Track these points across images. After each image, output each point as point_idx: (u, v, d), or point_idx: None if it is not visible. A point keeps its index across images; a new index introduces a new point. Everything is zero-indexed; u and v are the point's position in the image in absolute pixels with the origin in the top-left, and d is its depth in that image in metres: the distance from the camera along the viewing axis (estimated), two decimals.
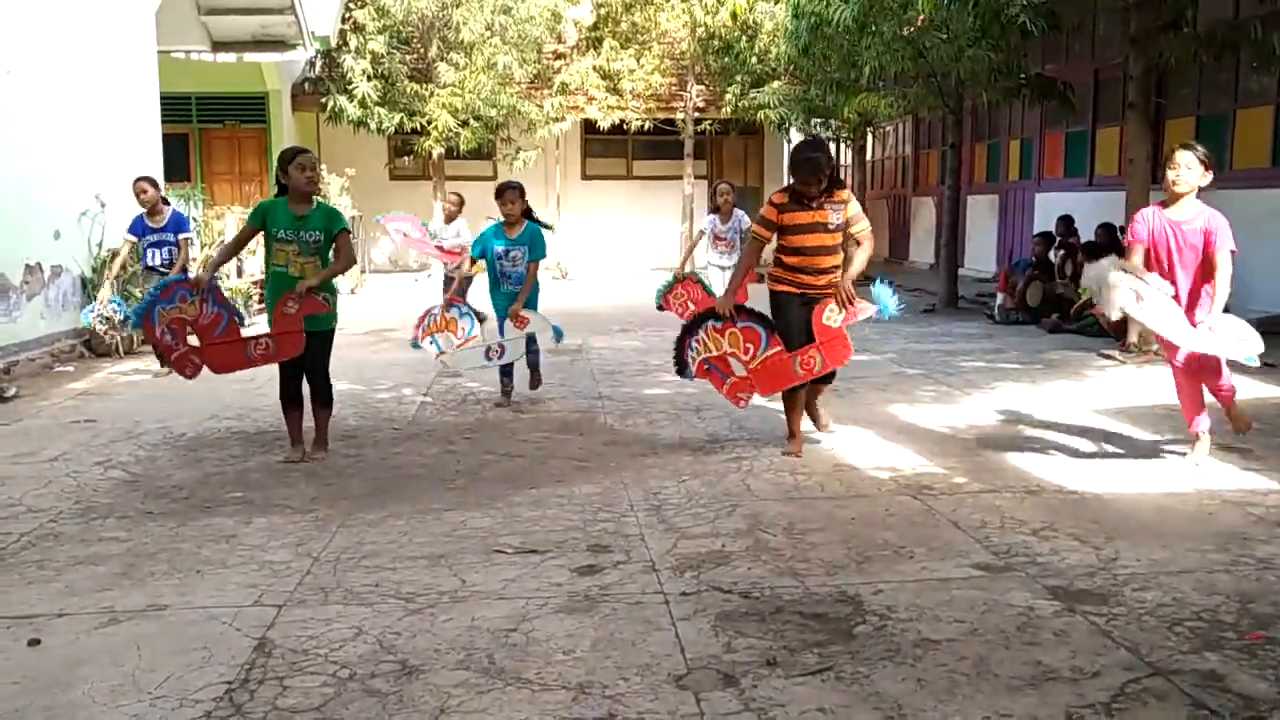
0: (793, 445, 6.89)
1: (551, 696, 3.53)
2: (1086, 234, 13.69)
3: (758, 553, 4.96)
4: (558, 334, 8.42)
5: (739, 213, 11.81)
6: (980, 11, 12.24)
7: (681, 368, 6.91)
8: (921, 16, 12.92)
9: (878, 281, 6.87)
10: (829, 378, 6.98)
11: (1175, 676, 3.63)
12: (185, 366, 6.88)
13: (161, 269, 10.15)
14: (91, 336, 11.40)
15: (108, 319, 10.56)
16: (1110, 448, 6.97)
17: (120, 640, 4.05)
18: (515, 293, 8.25)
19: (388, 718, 3.42)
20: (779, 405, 7.31)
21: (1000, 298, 13.87)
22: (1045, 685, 3.57)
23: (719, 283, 11.25)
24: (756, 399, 6.99)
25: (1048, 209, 15.92)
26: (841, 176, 24.70)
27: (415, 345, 8.59)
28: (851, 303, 6.53)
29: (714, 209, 12.05)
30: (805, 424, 7.11)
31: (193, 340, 6.89)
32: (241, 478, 6.48)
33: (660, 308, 11.14)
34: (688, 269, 10.80)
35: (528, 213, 8.40)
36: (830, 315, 6.57)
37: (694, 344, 6.81)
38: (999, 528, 5.29)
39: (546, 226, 8.56)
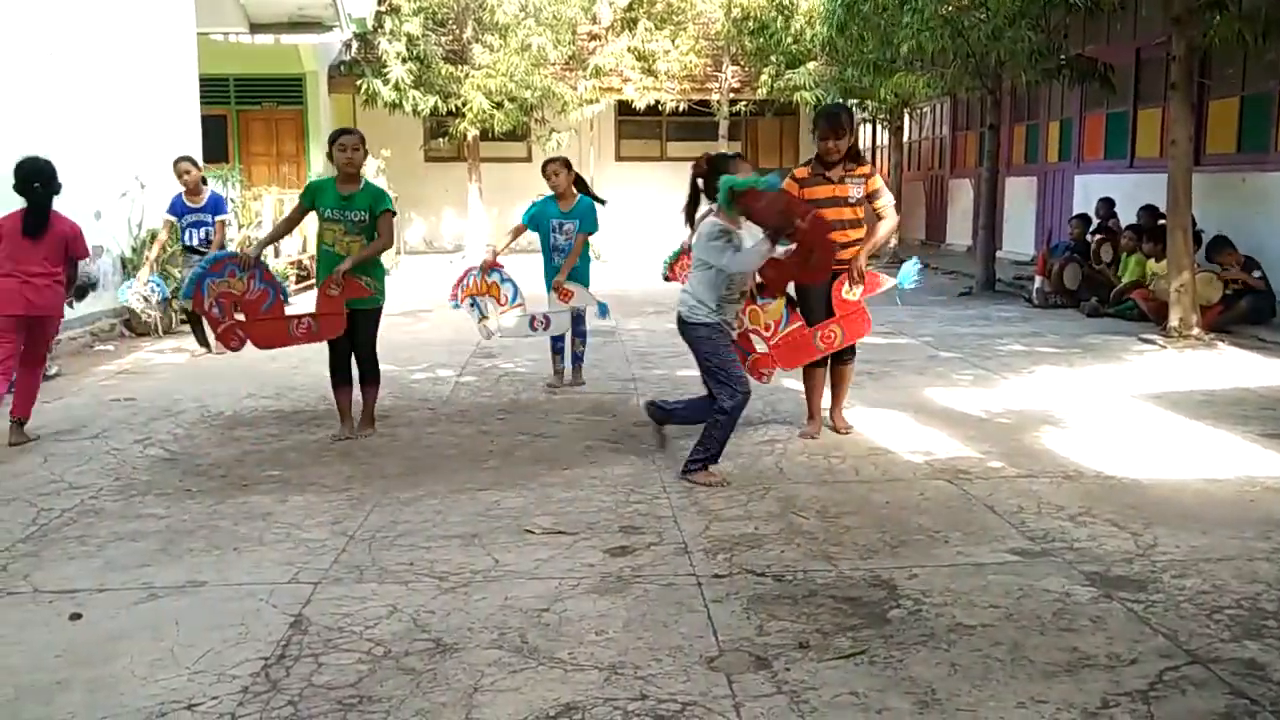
0: (811, 426, 6.90)
1: (584, 676, 3.54)
2: (1126, 217, 13.56)
3: (791, 536, 4.95)
4: (602, 310, 8.41)
5: None
6: None
7: None
8: None
9: (912, 260, 6.87)
10: (849, 356, 6.92)
11: (1214, 665, 3.60)
12: (230, 339, 6.93)
13: (199, 249, 10.20)
14: (130, 315, 11.49)
15: (146, 298, 10.63)
16: (1150, 433, 6.90)
17: (159, 615, 4.10)
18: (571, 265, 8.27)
19: (421, 695, 3.44)
20: None
21: (1038, 281, 13.75)
22: (1081, 672, 3.55)
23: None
24: (785, 381, 6.96)
25: (1087, 191, 15.76)
26: (878, 157, 24.62)
27: (455, 305, 8.51)
28: (863, 278, 6.52)
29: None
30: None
31: (239, 315, 6.95)
32: (278, 456, 6.53)
33: (666, 278, 11.15)
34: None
35: (581, 184, 8.38)
36: (849, 289, 6.56)
37: None
38: (1035, 513, 5.25)
39: (600, 200, 8.52)
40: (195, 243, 10.26)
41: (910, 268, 6.85)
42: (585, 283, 8.32)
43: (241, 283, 6.76)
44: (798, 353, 6.73)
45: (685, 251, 11.12)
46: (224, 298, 6.79)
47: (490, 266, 8.31)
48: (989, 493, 5.59)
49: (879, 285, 6.72)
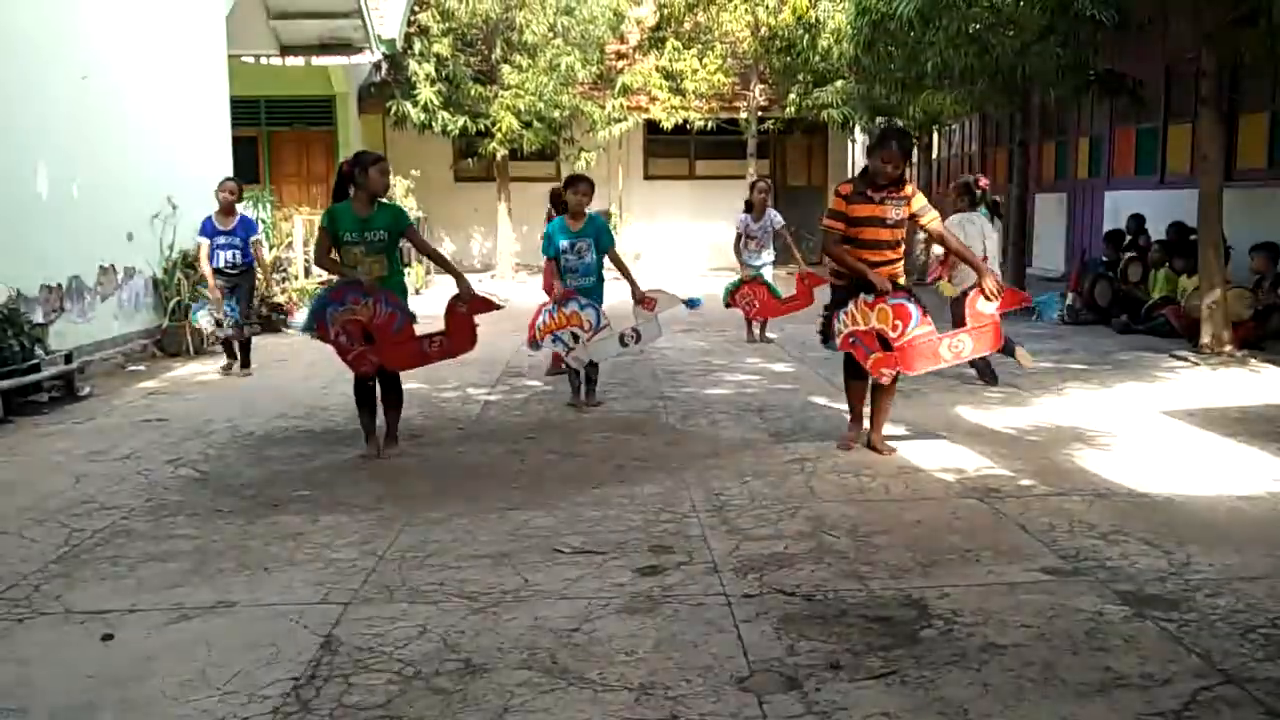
0: (852, 430, 6.94)
1: (614, 697, 3.54)
2: (1157, 233, 13.48)
3: (821, 555, 4.93)
4: (692, 304, 8.46)
5: (772, 211, 11.80)
6: (1047, 6, 12.07)
7: (827, 337, 6.87)
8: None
9: (1054, 295, 6.88)
10: (891, 387, 6.88)
11: (1249, 684, 3.56)
12: (363, 364, 6.91)
13: (228, 270, 10.27)
14: (162, 336, 11.56)
15: (219, 321, 10.53)
16: (1182, 450, 6.85)
17: (190, 636, 4.12)
18: (583, 287, 8.26)
19: (451, 716, 3.44)
20: (843, 405, 7.27)
21: (1070, 297, 13.67)
22: (1114, 692, 3.52)
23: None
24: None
25: (1117, 207, 15.68)
26: (908, 175, 24.57)
27: (535, 346, 8.47)
28: (1001, 292, 6.54)
29: (747, 206, 11.99)
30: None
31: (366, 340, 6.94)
32: (308, 476, 6.55)
33: (728, 304, 11.36)
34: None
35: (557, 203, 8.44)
36: (986, 302, 6.56)
37: (843, 315, 6.69)
38: (1067, 531, 5.22)
39: (604, 214, 8.53)
40: (223, 264, 10.30)
41: (1052, 299, 6.84)
42: (599, 300, 8.30)
43: (367, 308, 6.77)
44: (923, 357, 6.64)
45: (745, 282, 11.28)
46: (350, 324, 6.80)
47: (566, 297, 8.19)
48: (1020, 511, 5.55)
49: (1014, 302, 6.68)
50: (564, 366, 8.70)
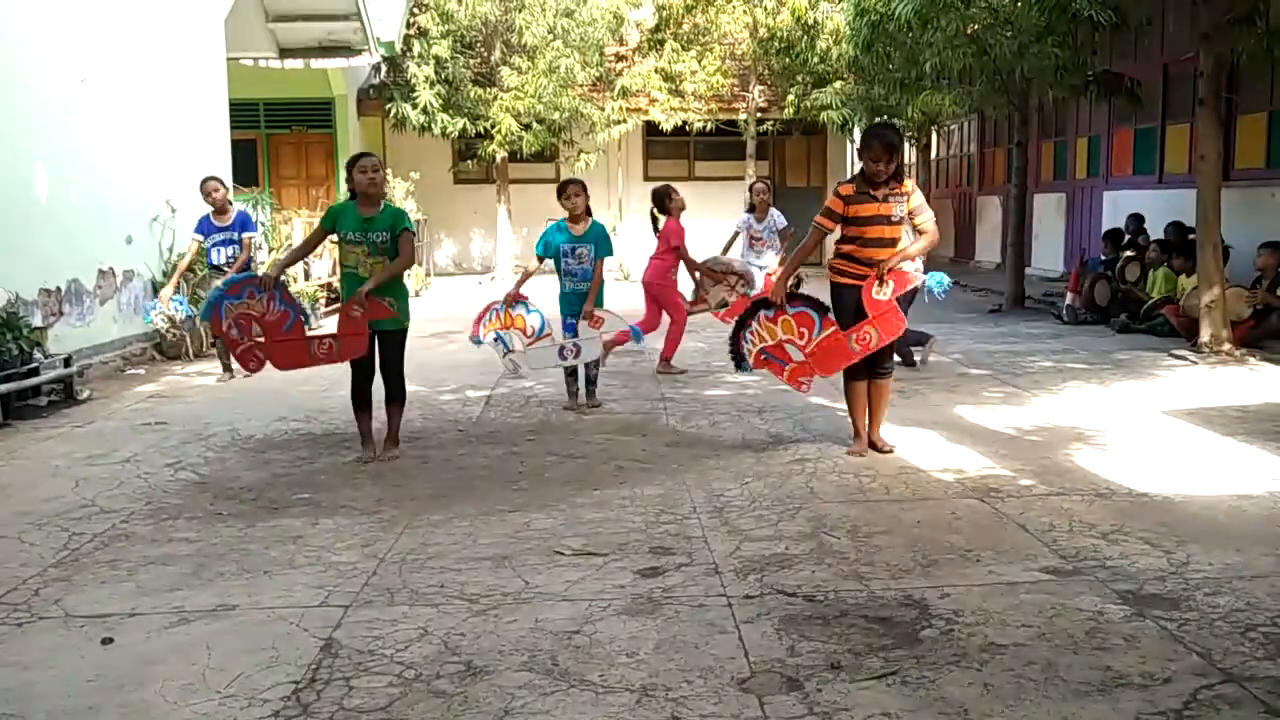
0: (857, 444, 6.88)
1: (615, 699, 3.54)
2: (1156, 233, 13.48)
3: (822, 556, 4.93)
4: (636, 336, 8.42)
5: (774, 211, 11.79)
6: (1045, 6, 12.09)
7: (739, 361, 6.94)
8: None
9: (942, 274, 6.92)
10: (887, 371, 6.90)
11: (1249, 683, 3.56)
12: (249, 361, 6.97)
13: (227, 267, 10.28)
14: (160, 339, 11.57)
15: (170, 318, 10.65)
16: (1181, 449, 6.85)
17: (190, 639, 4.11)
18: (580, 291, 8.25)
19: (453, 718, 3.44)
20: (842, 406, 7.27)
21: (1069, 297, 13.69)
22: (1115, 691, 3.52)
23: (756, 282, 11.29)
24: (815, 398, 6.96)
25: (1116, 207, 15.69)
26: (906, 175, 24.59)
27: (477, 342, 8.46)
28: (889, 276, 6.52)
29: (750, 207, 12.01)
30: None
31: (258, 337, 6.99)
32: (309, 479, 6.55)
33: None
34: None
35: (588, 213, 8.40)
36: (879, 289, 6.55)
37: (749, 335, 6.81)
38: (1067, 531, 5.22)
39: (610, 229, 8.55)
40: (221, 262, 10.30)
41: (940, 276, 6.88)
42: (594, 306, 8.30)
43: (260, 304, 6.81)
44: (834, 357, 6.70)
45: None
46: (243, 319, 6.84)
47: (515, 299, 8.27)
48: (1021, 511, 5.56)
49: (907, 283, 6.71)
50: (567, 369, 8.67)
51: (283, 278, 7.21)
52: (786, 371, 6.80)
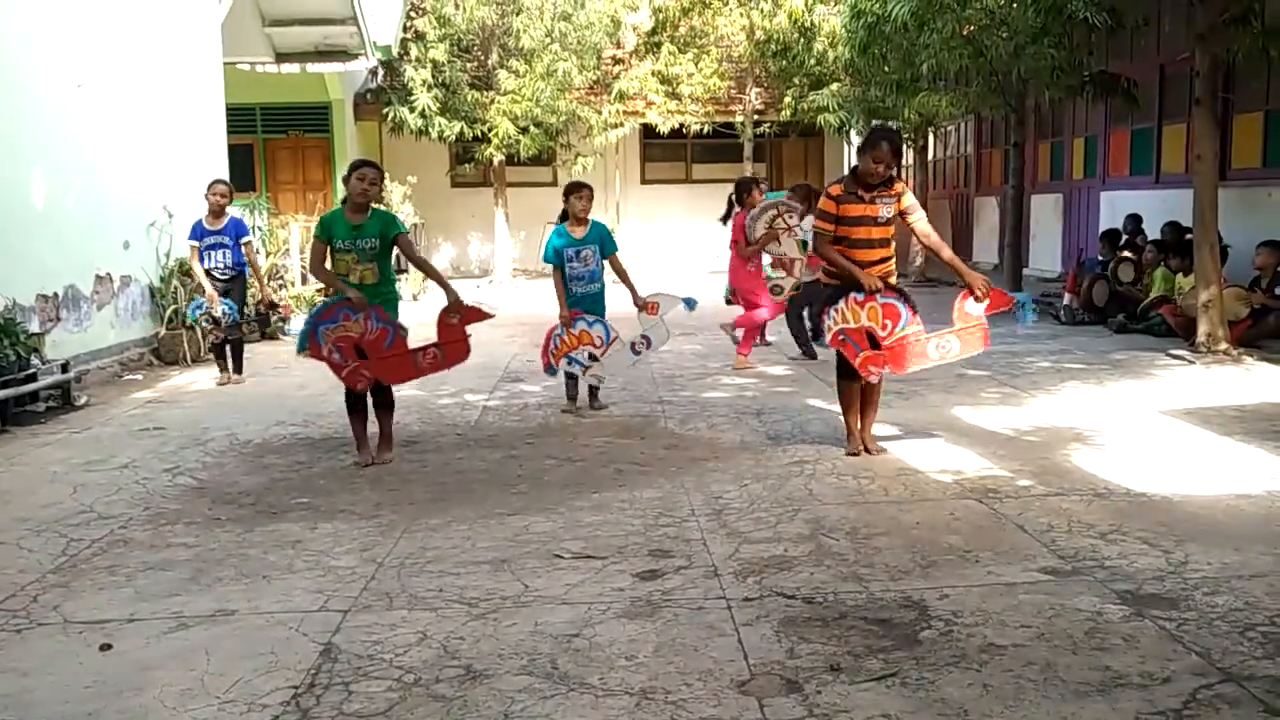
0: (851, 444, 6.89)
1: (615, 702, 3.54)
2: (1154, 233, 13.49)
3: (821, 557, 4.93)
4: (690, 304, 8.54)
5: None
6: (1041, 7, 12.10)
7: (816, 334, 6.90)
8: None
9: (1026, 294, 6.94)
10: (879, 385, 6.92)
11: (1248, 682, 3.56)
12: (358, 381, 6.92)
13: (216, 273, 10.26)
14: (159, 344, 11.55)
15: (216, 319, 10.47)
16: (1179, 449, 6.85)
17: (189, 645, 4.11)
18: (590, 293, 8.31)
19: None
20: (839, 407, 7.28)
21: (1067, 298, 13.70)
22: (1114, 691, 3.52)
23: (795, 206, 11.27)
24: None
25: (1113, 208, 15.69)
26: (902, 176, 24.58)
27: (551, 372, 8.50)
28: (989, 293, 6.55)
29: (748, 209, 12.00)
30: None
31: (361, 357, 6.95)
32: (307, 484, 6.55)
33: (729, 301, 11.39)
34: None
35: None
36: (974, 304, 6.58)
37: (833, 313, 6.73)
38: (1066, 531, 5.22)
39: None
40: (212, 266, 10.28)
41: (1031, 306, 6.87)
42: (602, 311, 8.34)
43: (358, 324, 6.78)
44: (911, 356, 6.67)
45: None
46: (342, 341, 6.80)
47: (573, 318, 8.26)
48: (1019, 512, 5.56)
49: (1003, 304, 6.71)
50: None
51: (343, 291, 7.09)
52: (860, 358, 6.71)
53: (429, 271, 7.51)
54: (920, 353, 6.65)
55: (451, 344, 7.02)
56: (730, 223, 10.69)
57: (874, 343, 6.63)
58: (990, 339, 6.81)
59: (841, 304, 6.68)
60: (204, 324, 10.75)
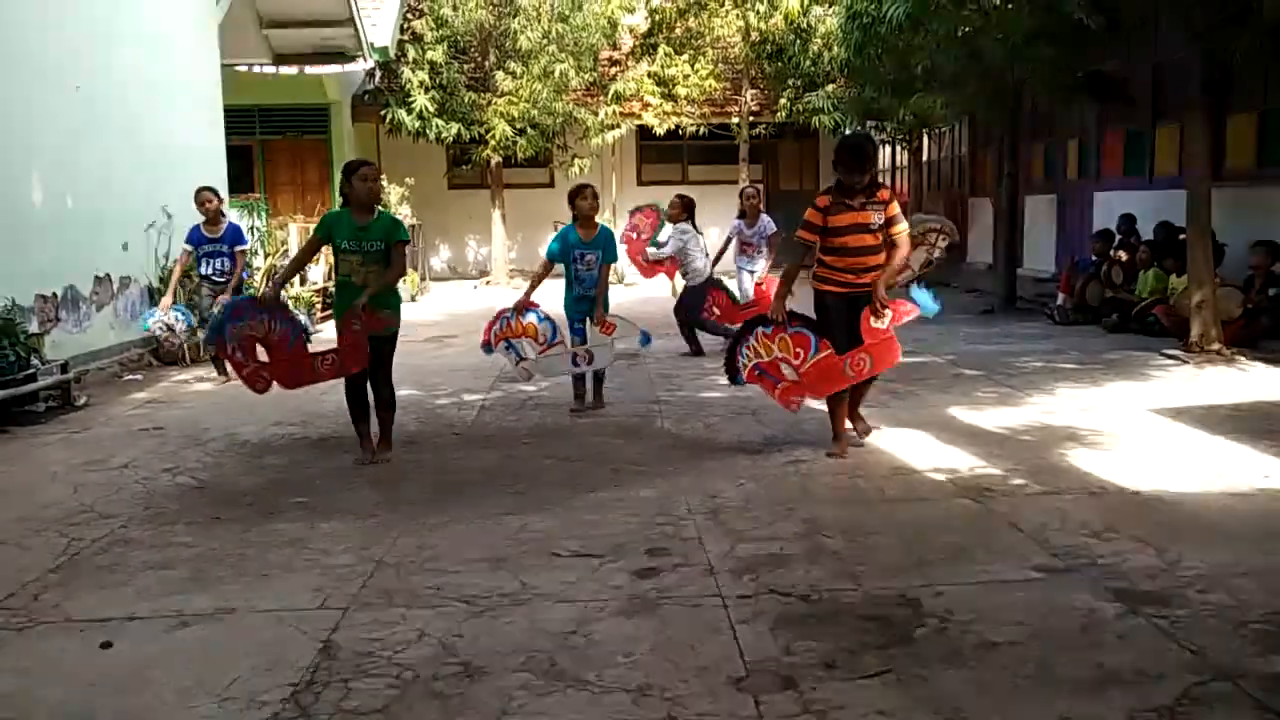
0: (837, 447, 6.90)
1: (611, 699, 3.56)
2: (1148, 234, 13.52)
3: (816, 555, 4.96)
4: (644, 339, 8.44)
5: (765, 217, 11.85)
6: (1035, 8, 12.12)
7: (733, 374, 6.96)
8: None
9: (912, 286, 6.96)
10: (871, 379, 6.98)
11: (1241, 679, 3.59)
12: (256, 382, 6.96)
13: (215, 278, 10.32)
14: (158, 345, 11.57)
15: (170, 326, 10.66)
16: (1173, 448, 6.88)
17: (189, 643, 4.14)
18: (587, 296, 8.31)
19: (451, 719, 3.47)
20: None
21: (1061, 298, 13.74)
22: (1107, 688, 3.55)
23: (748, 286, 11.50)
24: (809, 401, 7.01)
25: (1108, 208, 15.70)
26: (897, 178, 24.61)
27: (488, 350, 8.46)
28: (885, 306, 6.55)
29: (740, 213, 12.05)
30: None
31: (263, 356, 6.99)
32: (306, 483, 6.57)
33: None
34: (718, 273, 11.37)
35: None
36: (876, 319, 6.60)
37: (744, 350, 6.84)
38: (1060, 529, 5.25)
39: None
40: (211, 272, 10.36)
41: (926, 296, 6.89)
42: (604, 312, 8.34)
43: (262, 324, 6.80)
44: (828, 380, 6.75)
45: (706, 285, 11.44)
46: (246, 340, 6.83)
47: (525, 307, 8.27)
48: (1013, 510, 5.59)
49: (906, 314, 6.74)
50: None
51: (282, 296, 7.17)
52: (779, 389, 6.84)
53: (389, 277, 6.93)
54: (836, 374, 6.71)
55: (350, 350, 6.85)
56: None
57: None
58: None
59: (751, 339, 6.81)
60: (158, 331, 10.84)
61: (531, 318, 8.26)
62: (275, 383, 7.02)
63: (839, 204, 6.61)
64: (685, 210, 11.52)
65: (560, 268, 8.44)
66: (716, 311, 11.72)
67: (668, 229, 11.77)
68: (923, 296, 6.86)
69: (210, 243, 10.36)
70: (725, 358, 7.02)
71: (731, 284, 12.17)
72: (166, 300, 10.48)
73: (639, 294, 17.87)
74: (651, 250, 11.88)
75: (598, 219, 8.51)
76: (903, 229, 6.70)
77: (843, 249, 6.63)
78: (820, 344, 6.67)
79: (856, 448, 7.00)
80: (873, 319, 6.58)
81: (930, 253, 10.26)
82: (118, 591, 4.75)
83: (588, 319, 8.32)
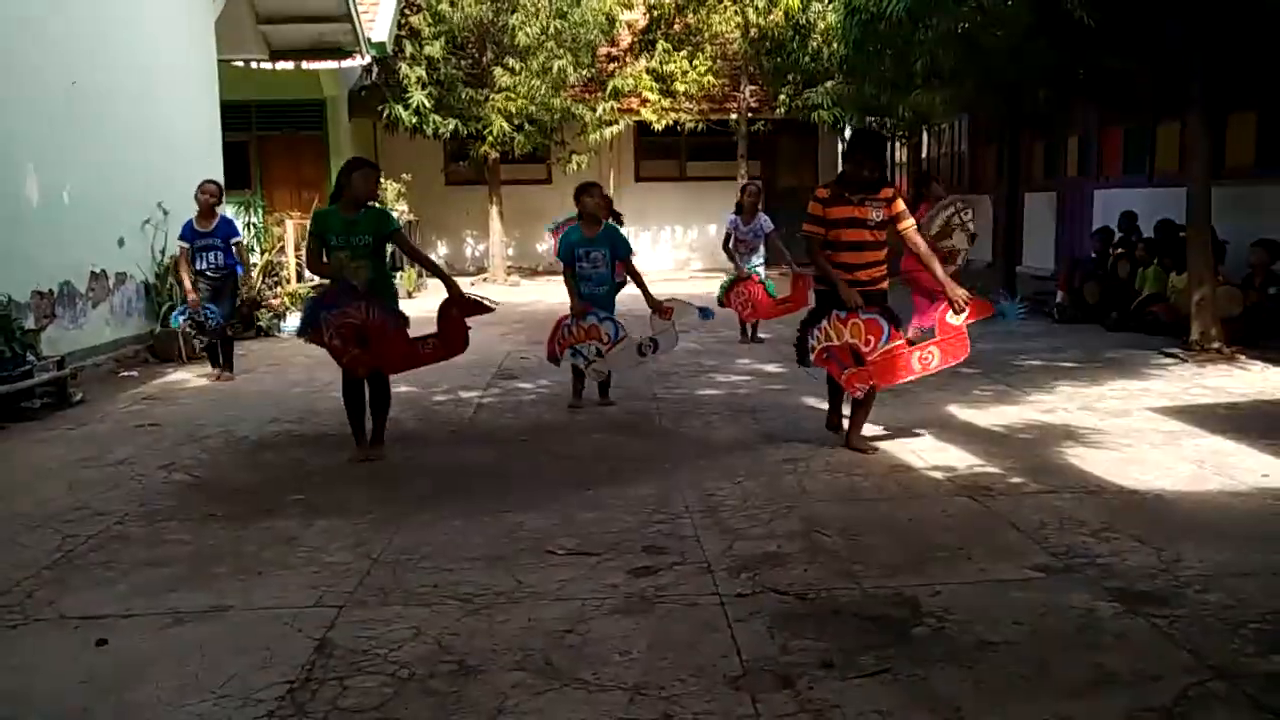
0: (864, 444, 6.91)
1: (608, 697, 3.55)
2: (1148, 231, 13.51)
3: (814, 554, 4.95)
4: (705, 314, 8.59)
5: (762, 215, 11.82)
6: (1034, 4, 12.10)
7: (802, 355, 6.92)
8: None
9: (1017, 300, 7.01)
10: (871, 396, 6.97)
11: (1239, 680, 3.58)
12: (357, 367, 6.92)
13: (209, 273, 10.26)
14: (155, 341, 11.55)
15: (199, 324, 10.46)
16: (1172, 447, 6.87)
17: (185, 640, 4.12)
18: (597, 294, 8.32)
19: (446, 718, 3.46)
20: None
21: (1060, 295, 13.73)
22: (1105, 688, 3.54)
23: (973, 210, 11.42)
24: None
25: (1108, 206, 15.69)
26: (896, 174, 24.59)
27: (555, 362, 8.51)
28: (966, 304, 6.58)
29: (738, 207, 12.00)
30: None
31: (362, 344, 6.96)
32: (302, 480, 6.56)
33: (722, 303, 11.35)
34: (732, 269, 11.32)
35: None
36: (954, 315, 6.63)
37: (816, 332, 6.78)
38: (1058, 529, 5.24)
39: (618, 221, 8.67)
40: (205, 267, 10.29)
41: (1014, 307, 6.91)
42: (611, 309, 8.34)
43: (361, 311, 6.78)
44: (895, 370, 6.73)
45: (740, 280, 11.38)
46: (344, 328, 6.81)
47: (584, 311, 8.26)
48: (1011, 509, 5.58)
49: (982, 313, 6.74)
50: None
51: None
52: (845, 374, 6.79)
53: (429, 265, 7.61)
54: (905, 366, 6.71)
55: (451, 335, 7.05)
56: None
57: (858, 358, 6.68)
58: (972, 342, 6.87)
59: (824, 322, 6.75)
60: (188, 329, 10.74)
61: (592, 320, 8.25)
62: (380, 367, 6.99)
63: (838, 197, 6.60)
64: (608, 210, 11.37)
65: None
66: (752, 306, 11.73)
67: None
68: (1008, 306, 6.88)
69: (203, 237, 10.30)
70: (796, 339, 6.98)
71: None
72: (194, 297, 10.29)
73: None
74: None
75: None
76: (910, 224, 6.69)
77: (839, 243, 6.62)
78: (893, 333, 6.63)
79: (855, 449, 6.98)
80: (949, 315, 6.60)
81: (966, 230, 10.39)
82: (113, 588, 4.73)
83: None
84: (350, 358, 6.87)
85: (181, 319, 10.57)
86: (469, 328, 7.12)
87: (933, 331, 7.06)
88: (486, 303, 7.13)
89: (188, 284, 10.24)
